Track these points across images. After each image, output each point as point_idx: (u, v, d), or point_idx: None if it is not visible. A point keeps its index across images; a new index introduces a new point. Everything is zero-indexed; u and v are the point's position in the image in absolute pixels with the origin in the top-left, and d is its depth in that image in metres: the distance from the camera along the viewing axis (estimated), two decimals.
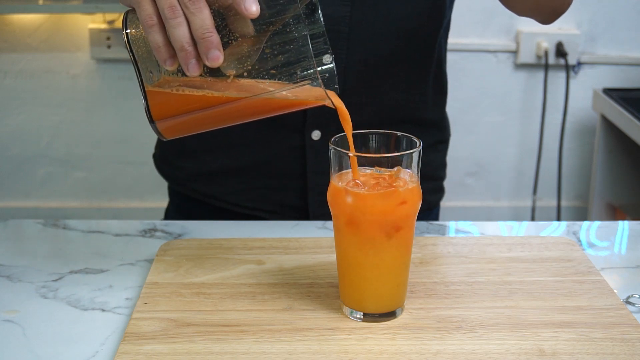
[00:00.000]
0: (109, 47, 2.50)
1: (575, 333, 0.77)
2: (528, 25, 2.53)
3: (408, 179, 0.78)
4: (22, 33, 2.51)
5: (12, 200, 2.68)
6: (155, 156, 1.23)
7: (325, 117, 1.07)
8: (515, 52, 2.58)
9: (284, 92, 0.75)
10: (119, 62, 2.54)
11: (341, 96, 0.80)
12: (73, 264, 0.94)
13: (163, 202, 1.26)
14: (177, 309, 0.81)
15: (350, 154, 0.78)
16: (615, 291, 0.85)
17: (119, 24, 2.50)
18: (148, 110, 0.76)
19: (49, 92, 2.57)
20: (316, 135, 1.08)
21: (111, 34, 2.49)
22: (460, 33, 2.48)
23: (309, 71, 0.74)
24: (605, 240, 1.02)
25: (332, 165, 0.79)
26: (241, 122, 0.81)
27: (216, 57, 0.72)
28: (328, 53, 0.76)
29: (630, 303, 0.85)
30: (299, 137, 1.09)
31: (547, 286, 0.86)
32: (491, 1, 1.02)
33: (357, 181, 0.77)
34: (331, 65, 0.76)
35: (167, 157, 1.19)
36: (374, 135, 0.81)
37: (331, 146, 0.78)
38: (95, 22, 2.50)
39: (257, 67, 0.74)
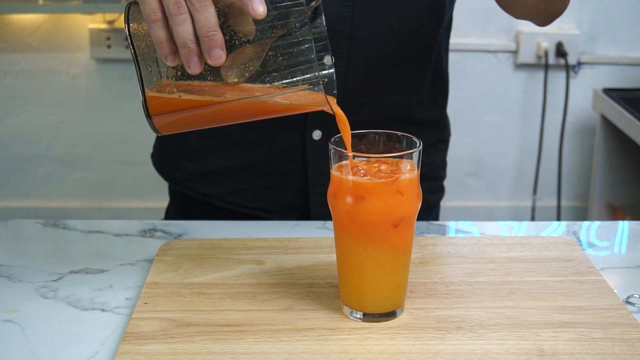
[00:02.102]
0: (109, 47, 2.51)
1: (575, 333, 0.77)
2: (528, 25, 2.51)
3: (408, 168, 0.78)
4: (22, 33, 2.51)
5: (12, 200, 2.68)
6: (153, 156, 1.22)
7: (326, 117, 1.07)
8: (515, 52, 2.58)
9: (283, 96, 0.75)
10: (119, 62, 2.54)
11: (342, 96, 0.80)
12: (73, 264, 0.94)
13: (163, 202, 1.26)
14: (177, 309, 0.81)
15: (350, 154, 0.78)
16: (615, 291, 0.85)
17: (119, 23, 2.50)
18: (145, 105, 0.76)
19: (49, 92, 2.57)
20: (317, 135, 1.08)
21: (111, 34, 2.49)
22: (461, 33, 2.48)
23: (310, 75, 0.74)
24: (605, 240, 1.02)
25: (331, 165, 0.79)
26: (239, 122, 0.81)
27: (219, 56, 0.72)
28: (329, 57, 0.76)
29: (630, 303, 0.85)
30: (300, 136, 1.09)
31: (547, 286, 0.86)
32: (491, 1, 1.03)
33: (359, 168, 0.77)
34: (331, 70, 0.76)
35: (166, 156, 1.19)
36: (374, 135, 0.81)
37: (331, 146, 0.78)
38: (95, 22, 2.50)
39: (258, 69, 0.74)
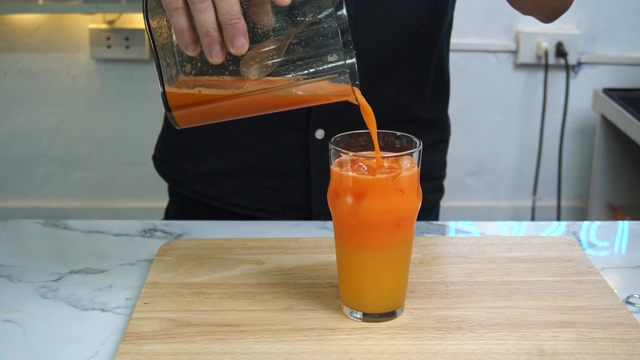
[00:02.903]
0: (109, 47, 2.50)
1: (575, 333, 0.77)
2: (528, 25, 2.53)
3: (408, 166, 0.77)
4: (22, 33, 2.51)
5: (12, 200, 2.68)
6: (155, 157, 1.22)
7: (329, 116, 1.07)
8: (515, 52, 2.58)
9: (305, 87, 0.74)
10: (119, 62, 2.54)
11: None
12: (73, 264, 0.94)
13: (163, 202, 1.26)
14: (177, 309, 0.81)
15: (351, 154, 0.78)
16: (615, 291, 0.85)
17: (119, 23, 2.50)
18: (165, 98, 0.75)
19: (49, 92, 2.57)
20: (320, 134, 1.08)
21: (111, 34, 2.49)
22: (461, 33, 2.48)
23: (334, 65, 0.72)
24: (605, 240, 1.02)
25: (331, 164, 0.79)
26: (261, 114, 0.79)
27: (242, 44, 0.70)
28: (351, 49, 0.75)
29: (630, 303, 0.85)
30: (303, 136, 1.09)
31: (547, 286, 0.86)
32: (492, 1, 1.03)
33: (360, 164, 0.77)
34: (353, 60, 0.75)
35: (168, 157, 1.18)
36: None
37: (331, 146, 0.78)
38: (95, 22, 2.50)
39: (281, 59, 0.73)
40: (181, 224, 1.04)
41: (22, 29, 2.51)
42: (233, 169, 1.13)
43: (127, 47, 2.50)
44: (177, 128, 0.79)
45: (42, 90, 2.57)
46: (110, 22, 2.50)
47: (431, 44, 1.09)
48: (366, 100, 1.10)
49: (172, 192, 1.23)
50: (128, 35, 2.49)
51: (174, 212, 1.22)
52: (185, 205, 1.19)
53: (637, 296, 0.86)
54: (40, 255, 0.96)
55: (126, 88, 2.56)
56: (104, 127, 2.61)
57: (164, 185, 1.22)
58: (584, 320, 0.80)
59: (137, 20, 2.51)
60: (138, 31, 2.49)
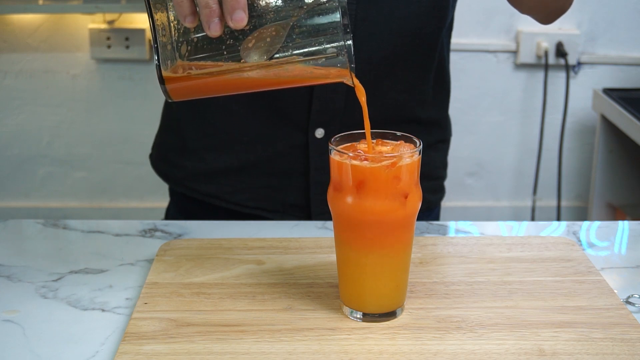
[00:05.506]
0: (109, 47, 2.50)
1: (575, 333, 0.77)
2: (528, 25, 2.53)
3: (409, 152, 0.77)
4: (22, 33, 2.51)
5: (12, 200, 2.68)
6: (152, 156, 1.22)
7: (329, 116, 1.07)
8: (515, 52, 2.58)
9: (304, 66, 0.74)
10: (119, 62, 2.54)
11: None
12: (73, 264, 0.94)
13: (163, 202, 1.26)
14: (177, 309, 0.81)
15: (350, 153, 0.78)
16: (615, 291, 0.85)
17: (119, 23, 2.50)
18: (159, 70, 0.74)
19: (49, 92, 2.57)
20: (319, 133, 1.08)
21: (111, 34, 2.49)
22: (460, 33, 2.48)
23: (331, 45, 0.72)
24: (605, 240, 1.02)
25: (331, 162, 0.79)
26: (256, 91, 0.79)
27: (241, 18, 0.70)
28: (348, 31, 0.75)
29: (630, 303, 0.85)
30: (302, 135, 1.09)
31: (547, 286, 0.86)
32: (491, 1, 1.03)
33: (359, 152, 0.77)
34: (351, 42, 0.75)
35: (166, 156, 1.18)
36: (374, 134, 0.81)
37: (331, 146, 0.78)
38: (95, 22, 2.50)
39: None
40: (181, 224, 1.04)
41: (22, 29, 2.51)
42: (232, 168, 1.13)
43: (127, 47, 2.50)
44: (170, 101, 0.78)
45: (42, 90, 2.57)
46: (110, 22, 2.50)
47: (432, 44, 1.09)
48: (367, 99, 1.10)
49: (172, 192, 1.23)
50: (128, 35, 2.49)
51: (174, 212, 1.22)
52: (185, 204, 1.19)
53: (637, 296, 0.86)
54: (40, 255, 0.96)
55: (126, 88, 2.56)
56: (104, 127, 2.61)
57: (164, 186, 1.22)
58: (584, 320, 0.80)
59: (137, 20, 2.51)
60: (138, 31, 2.49)
